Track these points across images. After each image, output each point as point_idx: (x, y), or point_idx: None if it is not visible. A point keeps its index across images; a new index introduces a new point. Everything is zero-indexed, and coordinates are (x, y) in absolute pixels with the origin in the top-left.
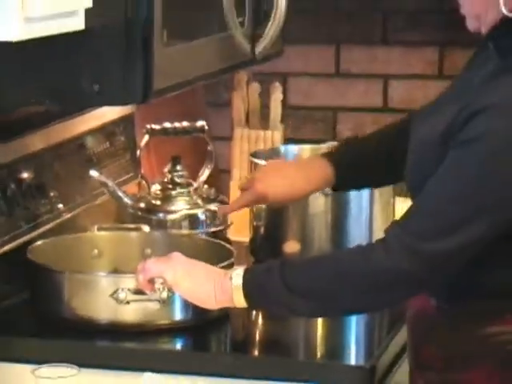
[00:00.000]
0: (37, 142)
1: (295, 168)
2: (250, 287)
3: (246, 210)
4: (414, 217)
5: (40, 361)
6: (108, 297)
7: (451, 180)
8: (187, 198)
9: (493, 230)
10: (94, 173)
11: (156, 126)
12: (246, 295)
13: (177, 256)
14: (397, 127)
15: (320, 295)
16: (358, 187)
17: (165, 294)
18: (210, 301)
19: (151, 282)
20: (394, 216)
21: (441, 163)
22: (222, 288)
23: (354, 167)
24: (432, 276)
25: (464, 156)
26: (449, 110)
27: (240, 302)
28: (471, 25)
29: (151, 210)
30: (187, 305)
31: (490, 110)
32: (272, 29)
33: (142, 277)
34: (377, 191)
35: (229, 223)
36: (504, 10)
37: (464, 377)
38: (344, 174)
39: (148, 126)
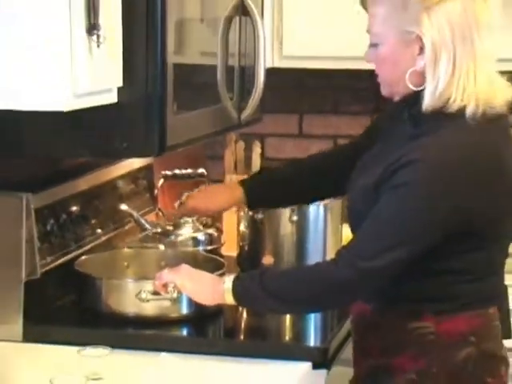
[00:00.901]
0: (82, 184)
1: (218, 190)
2: (237, 290)
3: (235, 234)
4: (355, 243)
5: (83, 344)
6: (134, 296)
7: (381, 217)
8: (191, 225)
9: (412, 255)
10: (123, 206)
11: (169, 173)
12: (235, 296)
13: (184, 267)
14: (337, 151)
15: (289, 298)
16: (274, 205)
17: (175, 295)
18: (208, 299)
19: (165, 286)
20: (341, 238)
21: (375, 204)
22: (217, 290)
23: (263, 191)
24: (367, 285)
25: (392, 198)
26: (378, 165)
27: (230, 300)
28: (384, 91)
29: (165, 233)
30: (191, 303)
31: (412, 165)
32: (253, 102)
33: (158, 282)
34: (329, 219)
35: (222, 243)
36: (410, 86)
37: (395, 360)
38: (252, 195)
39: (163, 173)
